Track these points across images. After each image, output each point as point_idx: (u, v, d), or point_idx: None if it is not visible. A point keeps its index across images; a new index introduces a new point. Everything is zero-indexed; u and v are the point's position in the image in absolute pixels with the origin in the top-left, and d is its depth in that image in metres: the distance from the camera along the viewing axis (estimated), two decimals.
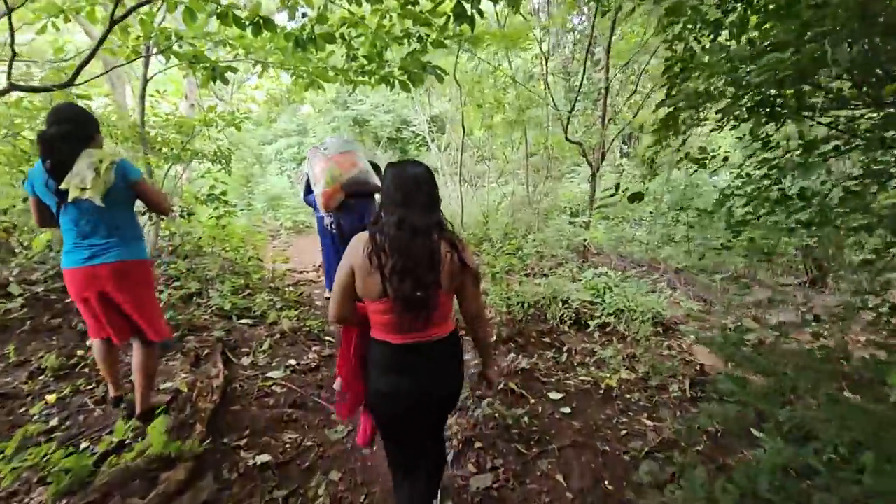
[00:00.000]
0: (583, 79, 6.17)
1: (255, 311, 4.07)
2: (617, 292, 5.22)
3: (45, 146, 1.91)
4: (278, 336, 3.69)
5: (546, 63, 6.22)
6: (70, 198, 1.90)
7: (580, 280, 5.53)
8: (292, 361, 3.33)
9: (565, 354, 3.79)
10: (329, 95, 13.26)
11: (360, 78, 4.49)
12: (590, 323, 4.57)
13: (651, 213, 8.32)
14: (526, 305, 4.45)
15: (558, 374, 3.45)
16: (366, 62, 4.16)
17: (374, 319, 1.54)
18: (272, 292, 4.66)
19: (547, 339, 4.24)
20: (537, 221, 7.70)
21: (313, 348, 3.61)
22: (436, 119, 11.19)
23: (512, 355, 3.62)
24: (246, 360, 3.29)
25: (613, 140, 6.74)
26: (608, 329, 4.66)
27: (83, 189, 1.87)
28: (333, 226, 2.66)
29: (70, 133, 1.94)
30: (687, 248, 8.20)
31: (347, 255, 1.50)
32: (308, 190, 3.87)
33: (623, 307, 4.94)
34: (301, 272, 6.40)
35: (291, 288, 5.13)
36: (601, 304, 4.99)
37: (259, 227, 8.30)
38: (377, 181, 2.66)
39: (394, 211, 1.46)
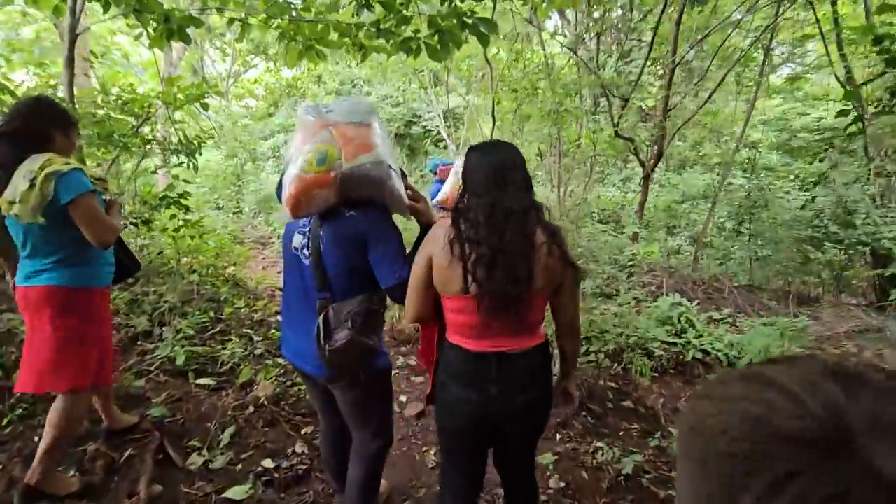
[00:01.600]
0: (646, 62, 5.00)
1: (222, 365, 2.87)
2: (700, 329, 4.05)
3: None
4: (251, 409, 2.49)
5: (598, 39, 5.06)
6: (3, 211, 1.64)
7: (649, 308, 4.34)
8: (268, 462, 2.12)
9: (669, 437, 2.60)
10: (331, 86, 12.09)
11: (374, 41, 3.33)
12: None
13: (697, 220, 7.09)
14: (600, 356, 3.26)
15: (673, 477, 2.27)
16: (384, 13, 2.98)
17: (450, 319, 1.32)
18: (252, 329, 3.46)
19: (628, 403, 3.05)
20: (575, 232, 6.51)
21: (302, 431, 2.41)
22: (450, 113, 10.01)
23: (601, 446, 2.42)
24: (196, 461, 2.09)
25: (674, 135, 5.60)
26: (695, 379, 3.51)
27: (11, 203, 1.61)
28: (306, 251, 1.46)
29: (14, 132, 1.66)
30: (750, 262, 7.02)
31: (426, 243, 1.32)
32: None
33: (710, 349, 3.78)
34: None
35: (280, 319, 3.94)
36: (685, 346, 3.82)
37: (243, 238, 7.09)
38: (401, 189, 1.45)
39: (483, 194, 1.23)
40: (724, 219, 7.05)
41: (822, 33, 6.19)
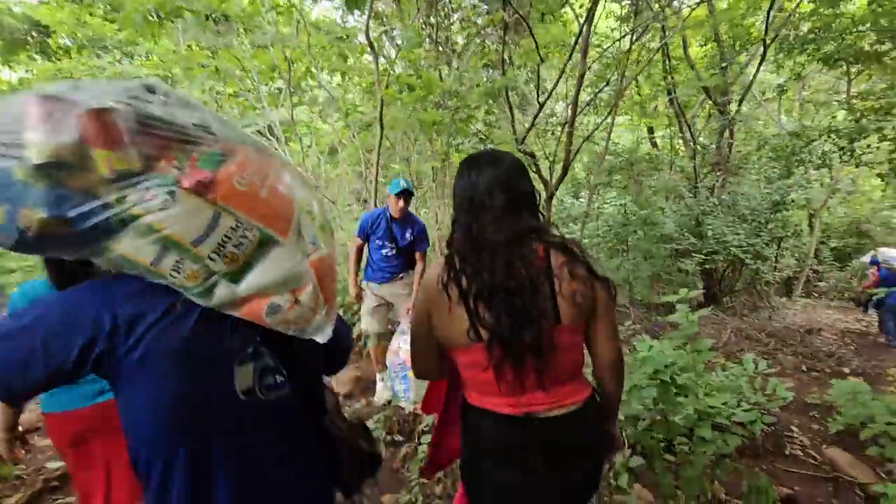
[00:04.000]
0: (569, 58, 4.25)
1: None
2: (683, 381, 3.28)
3: None
4: None
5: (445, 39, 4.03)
6: None
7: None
8: None
9: None
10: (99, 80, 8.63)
11: None
12: None
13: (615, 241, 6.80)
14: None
15: None
16: None
17: (467, 378, 1.12)
18: None
19: None
20: None
21: None
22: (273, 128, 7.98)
23: None
24: None
25: (575, 154, 5.02)
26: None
27: None
28: (278, 378, 0.83)
29: None
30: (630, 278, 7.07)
31: (422, 289, 1.14)
32: None
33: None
34: None
35: None
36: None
37: None
38: None
39: (464, 221, 1.11)
40: (604, 237, 6.99)
41: (667, 62, 6.73)
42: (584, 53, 4.47)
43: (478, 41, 6.43)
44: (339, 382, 3.54)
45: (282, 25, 6.42)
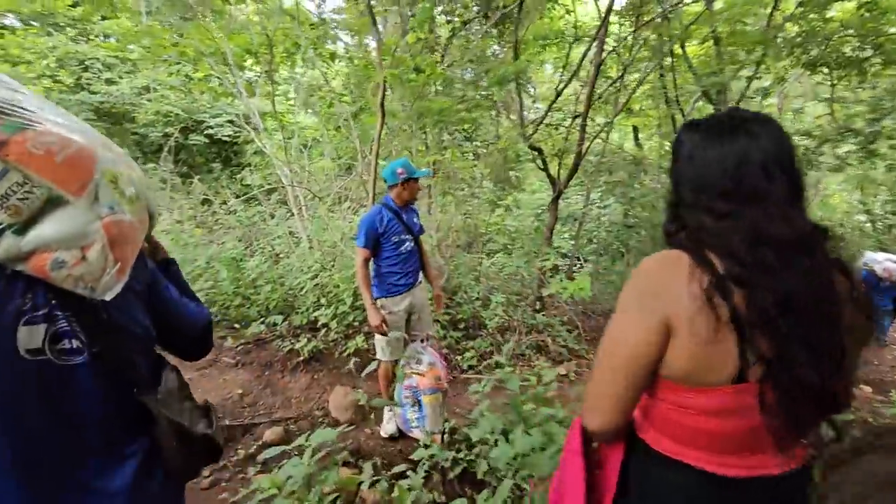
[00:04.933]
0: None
1: None
2: None
3: None
4: None
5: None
6: None
7: None
8: None
9: None
10: (48, 60, 7.74)
11: None
12: None
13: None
14: None
15: None
16: None
17: (680, 422, 0.80)
18: None
19: None
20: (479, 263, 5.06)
21: None
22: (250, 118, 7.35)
23: None
24: None
25: (590, 146, 4.69)
26: None
27: None
28: (76, 342, 0.83)
29: None
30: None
31: (644, 292, 0.77)
32: None
33: None
34: None
35: None
36: None
37: None
38: None
39: (729, 208, 0.75)
40: (606, 238, 6.72)
41: (670, 60, 6.50)
42: (602, 42, 4.15)
43: (463, 33, 6.06)
44: (339, 407, 3.06)
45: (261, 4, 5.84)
